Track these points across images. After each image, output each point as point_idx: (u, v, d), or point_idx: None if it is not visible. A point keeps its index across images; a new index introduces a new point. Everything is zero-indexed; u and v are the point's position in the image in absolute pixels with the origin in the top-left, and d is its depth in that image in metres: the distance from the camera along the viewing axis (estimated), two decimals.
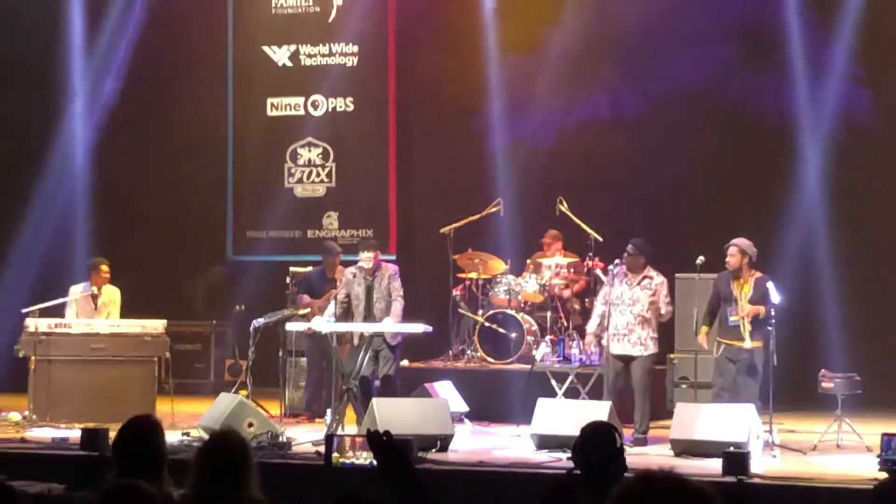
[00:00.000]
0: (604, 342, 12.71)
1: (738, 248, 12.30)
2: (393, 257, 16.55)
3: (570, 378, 13.71)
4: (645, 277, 12.49)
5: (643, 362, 12.41)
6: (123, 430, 6.05)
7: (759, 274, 12.39)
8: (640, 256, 12.52)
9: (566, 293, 15.24)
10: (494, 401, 14.17)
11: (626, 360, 12.44)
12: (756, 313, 12.13)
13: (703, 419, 11.54)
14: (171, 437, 11.93)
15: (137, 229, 18.09)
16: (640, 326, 12.40)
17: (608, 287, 12.65)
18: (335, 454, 10.04)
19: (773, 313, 12.07)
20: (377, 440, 4.31)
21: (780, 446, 11.77)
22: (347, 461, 9.98)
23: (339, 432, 11.37)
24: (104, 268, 14.30)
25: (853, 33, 15.85)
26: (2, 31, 17.81)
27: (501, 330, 15.02)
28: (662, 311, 12.51)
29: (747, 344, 12.12)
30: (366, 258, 13.03)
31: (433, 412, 11.98)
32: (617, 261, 12.67)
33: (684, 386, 14.50)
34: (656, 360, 12.69)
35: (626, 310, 12.42)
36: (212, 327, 17.92)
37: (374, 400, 11.91)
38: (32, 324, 13.46)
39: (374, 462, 4.37)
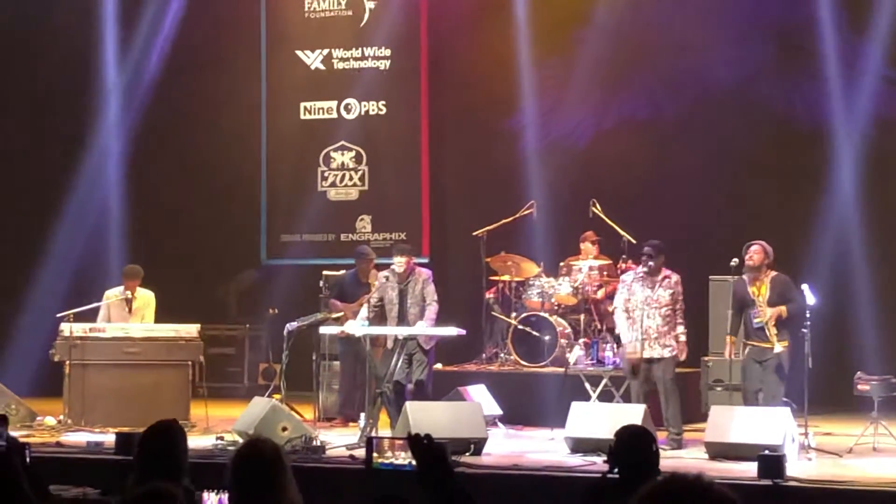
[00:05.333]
0: (626, 348, 12.65)
1: (761, 247, 12.23)
2: (426, 260, 16.54)
3: (603, 381, 13.67)
4: (665, 277, 12.45)
5: (668, 363, 12.34)
6: (146, 434, 6.05)
7: (773, 273, 12.31)
8: (661, 257, 12.48)
9: (599, 295, 15.20)
10: (528, 404, 14.14)
11: (653, 362, 12.37)
12: (778, 315, 12.08)
13: (738, 422, 11.50)
14: (206, 441, 12.03)
15: (171, 233, 18.12)
16: (668, 327, 12.35)
17: (627, 295, 12.59)
18: (374, 454, 10.07)
19: (808, 315, 12.00)
20: (418, 443, 4.34)
21: (815, 449, 11.72)
22: (386, 462, 10.00)
23: (373, 435, 11.37)
24: (136, 274, 14.28)
25: (887, 34, 15.77)
26: (36, 46, 17.96)
27: (535, 333, 14.98)
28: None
29: (777, 349, 12.04)
30: (399, 262, 13.03)
31: (466, 416, 11.99)
32: (639, 268, 12.59)
33: (719, 389, 14.42)
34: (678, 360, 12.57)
35: (654, 312, 12.34)
36: (246, 331, 17.95)
37: (408, 403, 11.92)
38: (67, 328, 13.51)
39: (414, 463, 4.40)
